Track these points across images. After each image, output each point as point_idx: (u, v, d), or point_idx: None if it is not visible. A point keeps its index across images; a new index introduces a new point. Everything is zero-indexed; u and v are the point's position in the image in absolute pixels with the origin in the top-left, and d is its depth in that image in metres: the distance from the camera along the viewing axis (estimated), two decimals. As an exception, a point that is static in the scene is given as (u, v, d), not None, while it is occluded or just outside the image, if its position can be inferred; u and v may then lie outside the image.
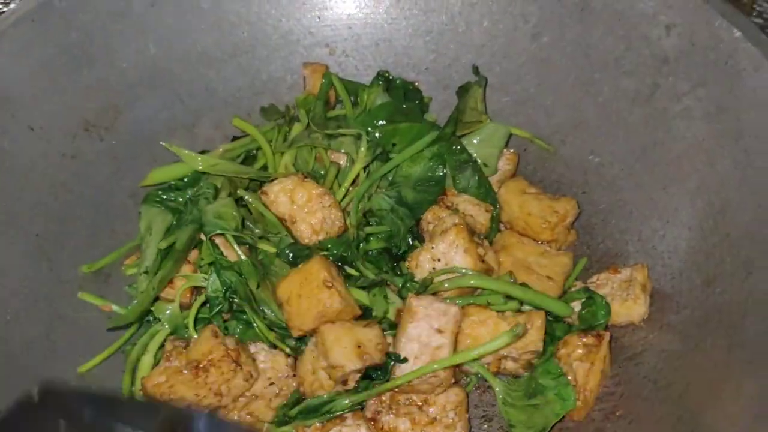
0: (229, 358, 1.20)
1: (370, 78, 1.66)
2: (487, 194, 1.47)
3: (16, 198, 1.40)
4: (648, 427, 1.18)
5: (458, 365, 1.21)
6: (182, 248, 1.32)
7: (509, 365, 1.26)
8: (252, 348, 1.28)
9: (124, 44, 1.57)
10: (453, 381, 1.20)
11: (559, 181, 1.59)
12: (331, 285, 1.19)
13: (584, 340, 1.26)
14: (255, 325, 1.26)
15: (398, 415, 1.20)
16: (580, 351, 1.25)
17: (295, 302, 1.21)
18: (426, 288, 1.27)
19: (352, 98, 1.63)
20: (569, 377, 1.22)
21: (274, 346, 1.28)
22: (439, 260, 1.28)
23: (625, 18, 1.47)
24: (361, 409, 1.22)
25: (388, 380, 1.19)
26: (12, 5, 1.90)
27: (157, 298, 1.32)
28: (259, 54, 1.70)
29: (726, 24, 1.35)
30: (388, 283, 1.31)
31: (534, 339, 1.21)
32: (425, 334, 1.16)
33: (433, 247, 1.29)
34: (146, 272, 1.33)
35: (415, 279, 1.30)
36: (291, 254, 1.32)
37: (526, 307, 1.27)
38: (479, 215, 1.44)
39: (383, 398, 1.21)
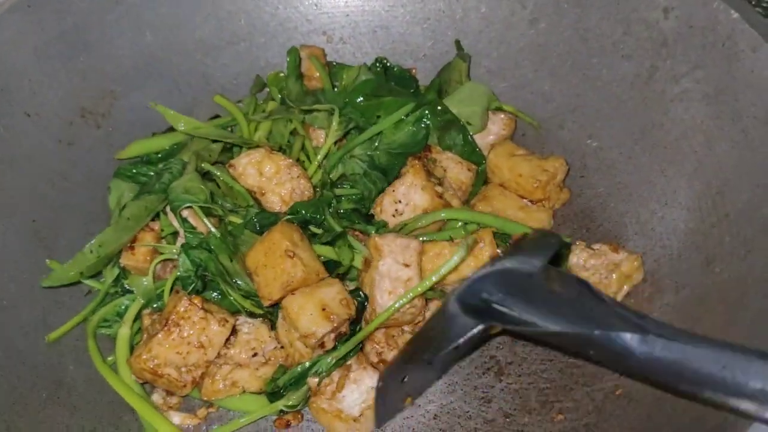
0: (195, 307, 1.20)
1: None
2: (472, 152, 1.49)
3: (12, 184, 1.39)
4: (647, 406, 1.17)
5: (430, 289, 1.23)
6: (132, 218, 1.32)
7: None
8: (235, 320, 1.27)
9: (121, 31, 1.57)
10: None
11: (557, 165, 1.58)
12: (293, 254, 1.20)
13: None
14: (231, 297, 1.26)
15: (398, 347, 1.23)
16: None
17: (261, 272, 1.22)
18: (400, 230, 1.32)
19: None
20: None
21: (253, 315, 1.28)
22: (400, 201, 1.35)
23: (623, 1, 1.46)
24: (361, 349, 1.26)
25: (361, 329, 1.24)
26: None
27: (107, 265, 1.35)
28: (256, 41, 1.70)
29: (723, 5, 1.35)
30: (356, 230, 1.35)
31: (489, 254, 1.24)
32: (394, 269, 1.21)
33: (393, 190, 1.36)
34: (128, 218, 1.33)
35: (387, 226, 1.35)
36: (258, 223, 1.32)
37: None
38: (461, 173, 1.45)
39: (377, 340, 1.24)
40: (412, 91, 1.62)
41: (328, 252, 1.30)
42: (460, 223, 1.33)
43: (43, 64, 1.47)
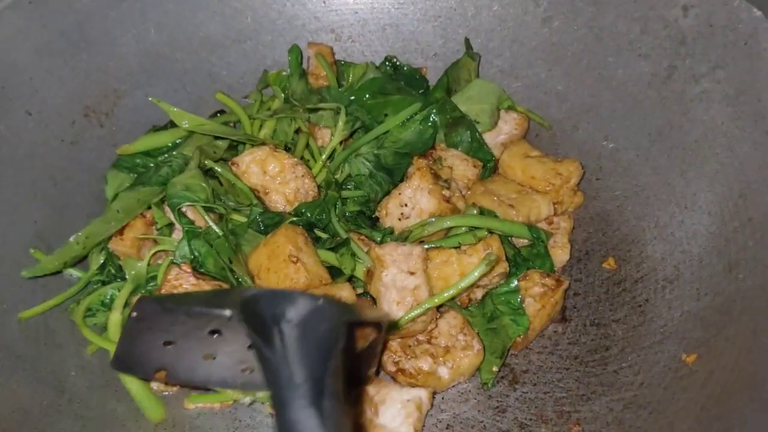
0: (184, 273, 1.17)
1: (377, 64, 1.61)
2: (479, 149, 1.45)
3: (14, 184, 1.36)
4: (669, 416, 1.13)
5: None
6: (123, 210, 1.30)
7: (478, 294, 1.29)
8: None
9: (124, 29, 1.54)
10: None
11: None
12: (296, 260, 1.17)
13: (544, 280, 1.28)
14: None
15: (416, 357, 1.20)
16: (537, 289, 1.27)
17: (264, 276, 1.20)
18: (406, 239, 1.28)
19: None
20: None
21: None
22: (406, 205, 1.31)
23: (641, -1, 1.43)
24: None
25: None
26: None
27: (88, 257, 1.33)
28: (263, 39, 1.66)
29: (745, 3, 1.32)
30: (362, 234, 1.31)
31: (499, 262, 1.22)
32: (399, 279, 1.18)
33: (399, 194, 1.32)
34: (118, 211, 1.31)
35: (393, 232, 1.32)
36: (262, 222, 1.29)
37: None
38: (467, 170, 1.42)
39: (393, 349, 1.22)
40: (421, 91, 1.58)
41: (330, 258, 1.27)
42: (464, 228, 1.29)
43: (45, 62, 1.44)
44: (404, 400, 1.14)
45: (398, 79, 1.59)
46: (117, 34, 1.53)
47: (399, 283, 1.18)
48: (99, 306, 1.31)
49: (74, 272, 1.35)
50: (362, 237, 1.33)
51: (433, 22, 1.66)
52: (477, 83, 1.51)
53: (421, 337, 1.22)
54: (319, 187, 1.38)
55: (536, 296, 1.26)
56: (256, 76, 1.65)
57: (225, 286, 1.20)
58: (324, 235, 1.31)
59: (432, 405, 1.19)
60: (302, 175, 1.34)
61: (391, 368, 1.20)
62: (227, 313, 0.92)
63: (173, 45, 1.60)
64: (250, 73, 1.66)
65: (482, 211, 1.31)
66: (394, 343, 1.21)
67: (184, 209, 1.26)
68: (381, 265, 1.19)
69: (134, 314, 1.01)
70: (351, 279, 1.28)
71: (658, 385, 1.18)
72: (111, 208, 1.31)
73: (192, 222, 1.26)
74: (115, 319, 1.26)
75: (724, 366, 1.13)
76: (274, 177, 1.33)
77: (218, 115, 1.59)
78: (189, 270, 1.19)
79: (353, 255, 1.27)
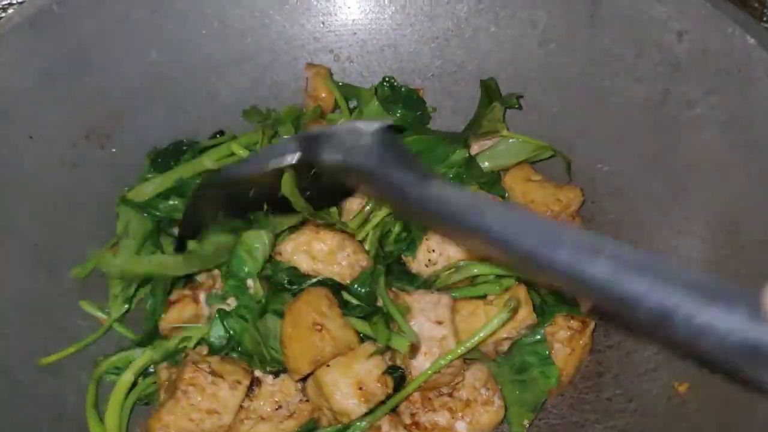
0: (202, 372, 1.16)
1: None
2: (493, 185, 1.47)
3: (15, 207, 1.37)
4: (663, 446, 1.15)
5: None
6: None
7: (505, 345, 1.28)
8: (258, 372, 1.22)
9: (125, 51, 1.54)
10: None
11: (567, 189, 1.55)
12: (320, 328, 1.12)
13: (570, 323, 1.27)
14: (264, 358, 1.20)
15: (434, 410, 1.20)
16: (564, 333, 1.26)
17: (289, 345, 1.15)
18: (431, 285, 1.27)
19: (354, 103, 1.63)
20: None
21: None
22: (433, 251, 1.30)
23: (636, 24, 1.44)
24: (394, 409, 1.20)
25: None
26: (10, 11, 1.87)
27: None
28: (262, 60, 1.67)
29: (739, 31, 1.32)
30: (396, 287, 1.27)
31: (526, 312, 1.21)
32: (426, 328, 1.16)
33: (427, 239, 1.31)
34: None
35: (421, 278, 1.30)
36: (287, 279, 1.24)
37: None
38: None
39: (413, 400, 1.20)
40: (419, 113, 1.60)
41: (362, 327, 1.20)
42: (492, 276, 1.28)
43: (46, 85, 1.44)
44: None
45: (397, 101, 1.61)
46: (118, 56, 1.54)
47: (426, 333, 1.15)
48: (127, 365, 1.26)
49: (96, 312, 1.35)
50: (394, 291, 1.27)
51: (431, 44, 1.67)
52: (505, 141, 1.50)
53: (444, 389, 1.21)
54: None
55: (564, 341, 1.25)
56: (256, 96, 1.67)
57: (242, 380, 1.18)
58: (354, 301, 1.24)
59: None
60: (354, 251, 1.25)
61: (407, 420, 1.20)
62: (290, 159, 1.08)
63: (173, 66, 1.60)
64: (249, 93, 1.67)
65: None
66: (415, 395, 1.20)
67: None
68: (408, 315, 1.17)
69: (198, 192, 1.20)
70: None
71: (650, 414, 1.20)
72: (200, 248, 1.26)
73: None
74: (125, 380, 1.22)
75: (717, 396, 1.14)
76: (324, 261, 1.25)
77: (218, 136, 1.61)
78: (205, 367, 1.17)
79: (387, 325, 1.17)
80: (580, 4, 1.49)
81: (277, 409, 1.20)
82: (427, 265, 1.31)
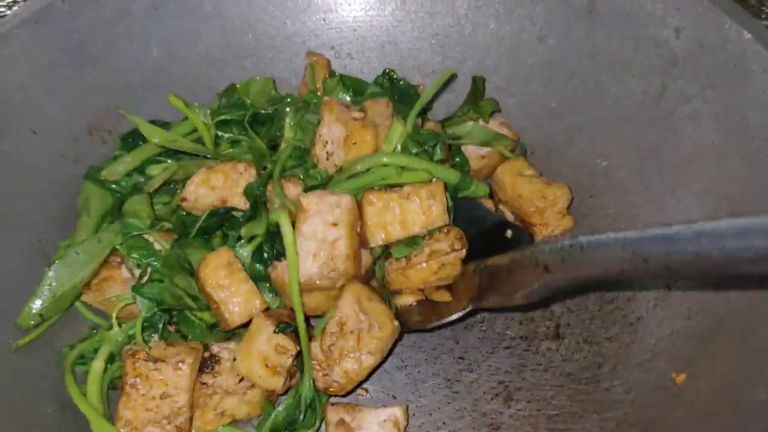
0: (141, 361, 1.17)
1: (375, 81, 1.64)
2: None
3: (19, 202, 1.38)
4: (660, 435, 1.17)
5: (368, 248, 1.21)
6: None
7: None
8: (215, 348, 1.26)
9: (127, 47, 1.56)
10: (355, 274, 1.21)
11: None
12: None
13: (449, 239, 1.26)
14: (197, 321, 1.25)
15: (340, 361, 1.18)
16: (437, 245, 1.26)
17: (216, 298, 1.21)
18: (330, 182, 1.27)
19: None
20: None
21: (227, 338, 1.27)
22: (327, 142, 1.31)
23: (633, 20, 1.45)
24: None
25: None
26: (15, 8, 1.88)
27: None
28: (263, 56, 1.68)
29: (735, 26, 1.33)
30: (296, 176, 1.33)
31: (440, 210, 1.21)
32: (320, 230, 1.16)
33: (319, 135, 1.33)
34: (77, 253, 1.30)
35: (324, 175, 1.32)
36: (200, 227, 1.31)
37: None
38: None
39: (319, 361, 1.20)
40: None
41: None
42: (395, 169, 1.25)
43: (48, 80, 1.46)
44: (381, 421, 1.16)
45: (394, 94, 1.61)
46: (119, 52, 1.55)
47: (319, 235, 1.15)
48: (92, 353, 1.28)
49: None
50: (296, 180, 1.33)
51: (431, 40, 1.68)
52: (476, 126, 1.53)
53: (333, 329, 1.19)
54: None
55: (432, 252, 1.24)
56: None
57: (186, 358, 1.19)
58: (238, 213, 1.31)
59: (408, 420, 1.21)
60: (245, 170, 1.35)
61: (321, 385, 1.19)
62: None
63: (174, 62, 1.62)
64: (250, 89, 1.68)
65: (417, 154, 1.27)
66: (317, 349, 1.19)
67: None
68: (303, 216, 1.15)
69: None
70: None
71: (648, 404, 1.21)
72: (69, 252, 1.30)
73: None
74: (97, 368, 1.24)
75: (713, 386, 1.15)
76: (223, 187, 1.34)
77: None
78: (142, 356, 1.19)
79: (266, 211, 1.25)
80: (577, 0, 1.50)
81: (239, 381, 1.23)
82: (327, 159, 1.31)
